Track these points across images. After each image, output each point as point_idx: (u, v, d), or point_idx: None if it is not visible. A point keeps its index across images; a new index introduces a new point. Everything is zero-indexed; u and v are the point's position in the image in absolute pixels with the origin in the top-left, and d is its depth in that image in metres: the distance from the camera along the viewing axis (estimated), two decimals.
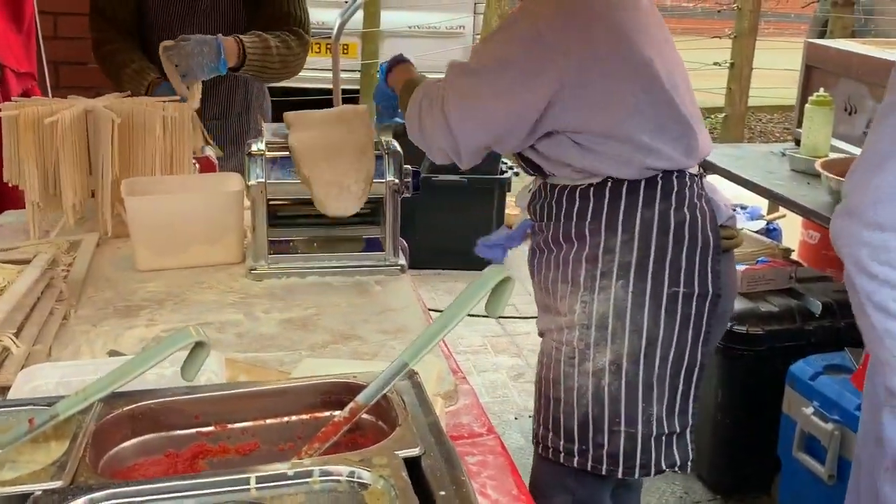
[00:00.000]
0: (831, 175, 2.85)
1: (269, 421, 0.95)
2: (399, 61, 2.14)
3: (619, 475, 1.87)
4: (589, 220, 1.82)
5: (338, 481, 0.79)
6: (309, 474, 0.79)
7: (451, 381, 1.53)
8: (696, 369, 1.85)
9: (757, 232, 3.59)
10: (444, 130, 1.84)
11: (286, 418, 0.95)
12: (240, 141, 2.76)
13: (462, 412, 1.48)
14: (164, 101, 2.16)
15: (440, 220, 2.35)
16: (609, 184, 1.81)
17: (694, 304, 1.81)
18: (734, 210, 4.42)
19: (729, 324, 2.85)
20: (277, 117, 2.30)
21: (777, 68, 7.33)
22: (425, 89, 1.92)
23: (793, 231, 4.10)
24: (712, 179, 3.47)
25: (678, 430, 1.86)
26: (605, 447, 1.84)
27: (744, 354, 2.87)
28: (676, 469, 1.88)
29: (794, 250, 3.39)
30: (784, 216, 3.98)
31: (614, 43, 1.77)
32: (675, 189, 1.80)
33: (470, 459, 1.34)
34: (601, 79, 1.75)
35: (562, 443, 1.89)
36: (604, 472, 1.86)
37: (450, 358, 1.66)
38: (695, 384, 1.87)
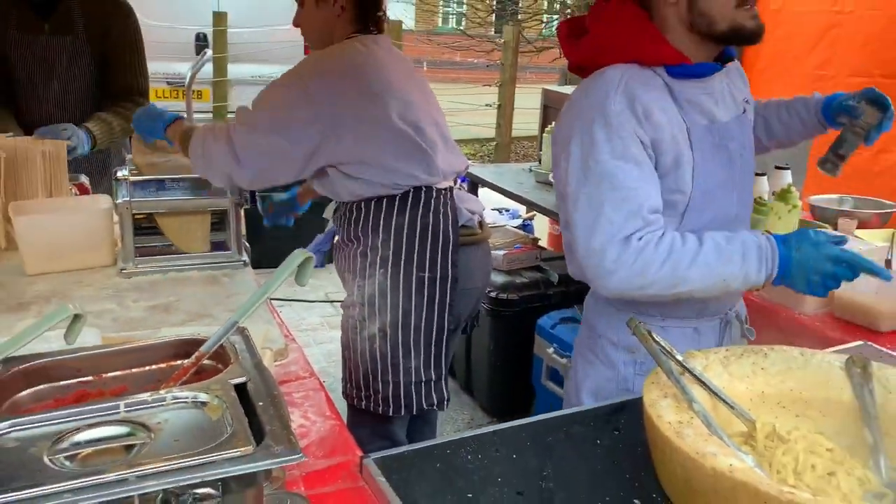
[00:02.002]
0: None
1: (134, 370, 1.00)
2: (176, 118, 2.00)
3: (391, 413, 1.95)
4: (361, 225, 1.90)
5: (185, 401, 0.88)
6: (163, 399, 0.87)
7: (282, 342, 1.61)
8: (445, 333, 1.95)
9: (516, 227, 3.85)
10: (229, 155, 1.79)
11: (148, 367, 1.01)
12: (104, 170, 2.70)
13: (291, 364, 1.57)
14: (43, 139, 2.13)
15: (281, 229, 2.44)
16: (374, 200, 1.89)
17: (437, 285, 1.91)
18: (501, 212, 4.69)
19: (495, 293, 3.08)
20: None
21: (535, 108, 7.80)
22: (209, 127, 1.87)
23: (544, 226, 4.44)
24: (482, 192, 3.71)
25: (434, 378, 1.96)
26: (381, 393, 1.94)
27: (506, 314, 3.06)
28: (434, 407, 1.98)
29: (540, 238, 3.67)
30: (534, 216, 4.29)
31: (364, 99, 1.80)
32: (423, 201, 1.89)
33: (296, 395, 1.44)
34: (355, 124, 1.80)
35: (355, 391, 1.98)
36: (381, 412, 1.95)
37: (282, 326, 1.73)
38: (445, 343, 1.95)
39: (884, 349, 1.57)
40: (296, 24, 1.95)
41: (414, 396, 1.95)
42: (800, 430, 1.06)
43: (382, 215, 1.89)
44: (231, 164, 1.81)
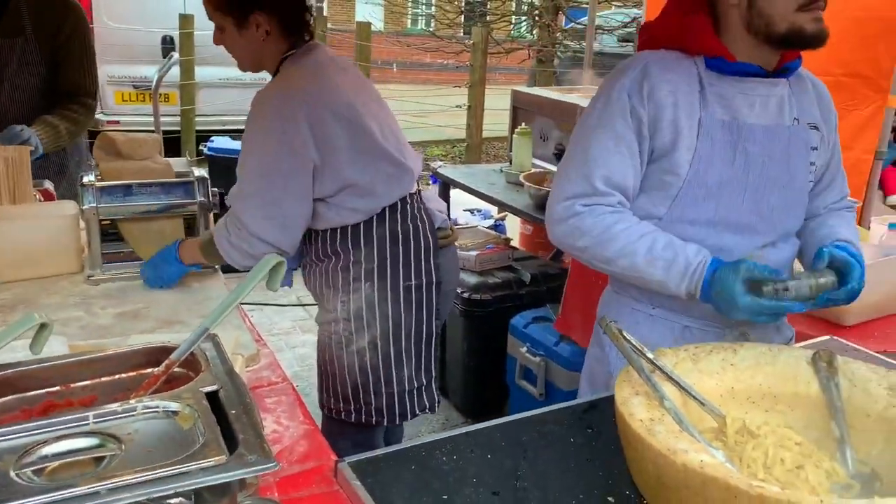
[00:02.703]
0: (530, 184, 3.14)
1: (104, 379, 0.98)
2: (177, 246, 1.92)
3: (385, 423, 1.95)
4: (339, 241, 1.87)
5: (156, 411, 0.86)
6: (134, 409, 0.86)
7: (253, 347, 1.58)
8: (433, 338, 1.95)
9: (488, 227, 3.86)
10: (254, 239, 1.77)
11: (117, 376, 0.99)
12: (62, 172, 2.65)
13: (263, 369, 1.55)
14: (5, 146, 2.07)
15: None
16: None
17: (424, 291, 1.90)
18: (472, 213, 4.70)
19: (467, 293, 3.08)
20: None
21: (505, 109, 7.84)
22: (220, 225, 1.83)
23: (515, 226, 4.45)
24: (454, 193, 3.71)
25: (424, 383, 1.96)
26: (373, 404, 1.92)
27: (479, 315, 3.06)
28: (427, 411, 1.98)
29: (512, 238, 3.68)
30: (506, 216, 4.30)
31: (340, 127, 1.77)
32: (399, 209, 1.87)
33: (269, 400, 1.41)
34: (334, 153, 1.78)
35: (341, 405, 1.95)
36: (374, 423, 1.94)
37: (253, 331, 1.71)
38: (433, 348, 1.96)
39: (849, 343, 1.60)
40: (216, 43, 1.88)
41: (408, 404, 1.94)
42: (769, 424, 1.08)
43: (362, 230, 1.87)
44: (260, 245, 1.78)
